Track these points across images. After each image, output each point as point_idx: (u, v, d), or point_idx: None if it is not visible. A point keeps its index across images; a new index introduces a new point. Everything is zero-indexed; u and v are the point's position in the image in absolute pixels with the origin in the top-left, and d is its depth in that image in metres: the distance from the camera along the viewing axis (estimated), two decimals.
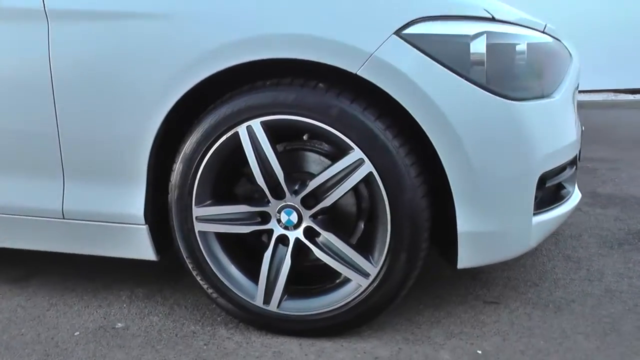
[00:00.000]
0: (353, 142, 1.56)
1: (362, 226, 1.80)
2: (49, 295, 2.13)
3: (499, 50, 1.58)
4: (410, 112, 1.52)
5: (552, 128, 1.68)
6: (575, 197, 1.92)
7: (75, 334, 1.85)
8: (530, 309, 1.90)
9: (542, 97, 1.66)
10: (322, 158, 1.76)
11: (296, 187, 1.67)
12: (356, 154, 1.57)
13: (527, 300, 1.96)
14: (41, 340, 1.82)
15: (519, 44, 1.61)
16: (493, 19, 1.57)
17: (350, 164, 1.58)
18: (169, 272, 2.30)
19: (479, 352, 1.66)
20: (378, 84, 1.52)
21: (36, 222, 1.92)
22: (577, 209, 2.83)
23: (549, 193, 1.79)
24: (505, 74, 1.58)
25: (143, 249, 1.84)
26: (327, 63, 1.53)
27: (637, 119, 5.77)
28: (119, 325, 1.90)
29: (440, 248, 1.90)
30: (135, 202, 1.78)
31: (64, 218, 1.88)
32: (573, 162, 1.91)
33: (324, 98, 1.56)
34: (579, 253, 2.34)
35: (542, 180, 1.67)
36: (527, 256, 2.32)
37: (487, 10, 1.57)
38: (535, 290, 2.03)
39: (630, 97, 6.38)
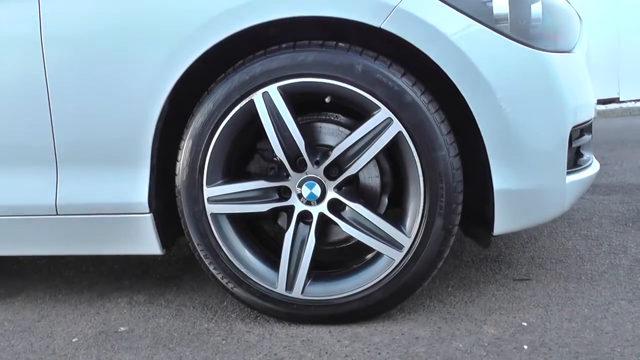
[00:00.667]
0: (380, 100, 1.46)
1: (386, 201, 1.69)
2: (39, 308, 1.93)
3: (520, 3, 1.52)
4: (438, 64, 1.44)
5: (577, 81, 1.62)
6: (595, 163, 1.85)
7: (74, 340, 1.65)
8: (564, 282, 1.80)
9: (564, 51, 1.60)
10: (341, 129, 1.65)
11: (317, 158, 1.55)
12: (383, 113, 1.47)
13: (558, 275, 1.86)
14: (35, 349, 1.62)
15: None
16: None
17: (377, 125, 1.48)
18: (169, 278, 2.12)
19: (524, 324, 1.54)
20: (404, 37, 1.43)
21: (24, 222, 1.73)
22: (581, 197, 2.79)
23: (573, 156, 1.72)
24: (528, 26, 1.52)
25: (147, 242, 1.67)
26: (349, 18, 1.44)
27: (613, 126, 5.88)
28: (122, 329, 1.71)
29: (466, 227, 1.80)
30: (138, 189, 1.63)
31: (57, 214, 1.70)
32: (590, 129, 1.85)
33: (346, 56, 1.47)
34: (596, 232, 2.27)
35: (570, 138, 1.60)
36: (544, 238, 2.24)
37: None
38: (562, 265, 1.94)
39: (602, 107, 6.52)
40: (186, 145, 1.57)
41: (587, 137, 1.80)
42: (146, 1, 1.55)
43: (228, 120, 1.54)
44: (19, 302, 2.00)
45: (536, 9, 1.55)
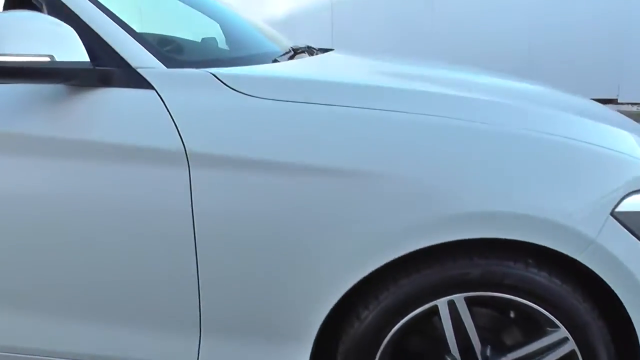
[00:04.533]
0: (559, 320, 1.54)
1: None
2: None
3: None
4: (623, 302, 1.50)
5: None
6: None
7: None
8: None
9: None
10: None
11: (487, 354, 1.60)
12: (561, 332, 1.55)
13: None
14: None
15: None
16: None
17: (552, 342, 1.57)
18: None
19: None
20: (595, 270, 1.49)
21: None
22: None
23: None
24: None
25: None
26: (549, 247, 1.47)
27: None
28: None
29: None
30: None
31: None
32: None
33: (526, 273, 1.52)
34: None
35: None
36: None
37: None
38: None
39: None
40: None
41: None
42: (327, 190, 1.50)
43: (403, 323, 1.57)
44: None
45: None
